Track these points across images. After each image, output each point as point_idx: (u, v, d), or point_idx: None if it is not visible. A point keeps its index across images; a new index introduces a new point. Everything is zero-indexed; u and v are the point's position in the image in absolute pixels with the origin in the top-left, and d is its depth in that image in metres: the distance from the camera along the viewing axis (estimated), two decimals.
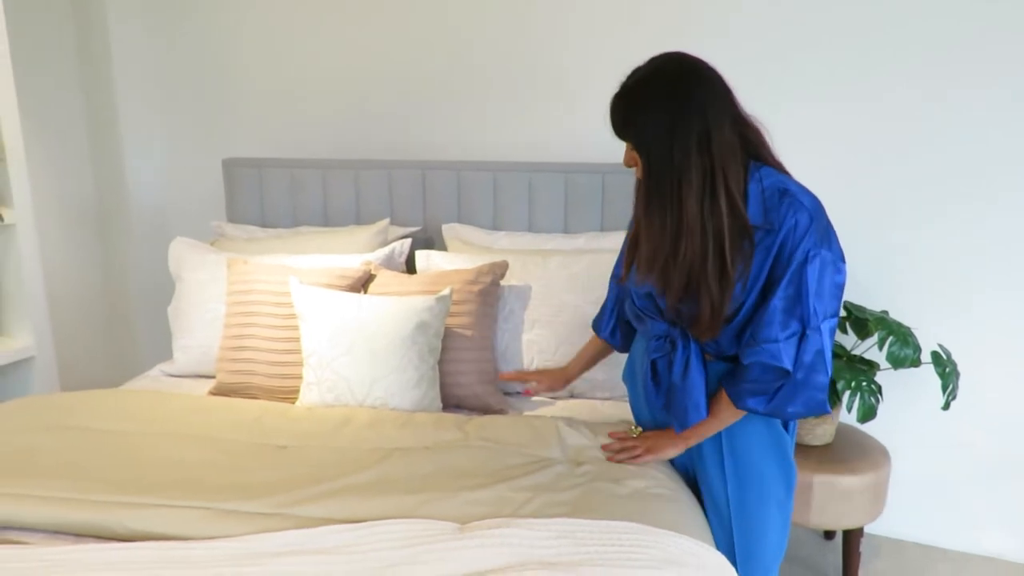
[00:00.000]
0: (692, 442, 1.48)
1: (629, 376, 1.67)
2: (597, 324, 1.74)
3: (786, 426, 1.48)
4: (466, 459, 1.53)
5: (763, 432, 1.45)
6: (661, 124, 1.25)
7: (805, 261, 1.27)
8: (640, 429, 1.60)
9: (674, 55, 1.30)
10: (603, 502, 1.37)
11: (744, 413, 1.41)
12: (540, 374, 1.85)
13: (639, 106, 1.28)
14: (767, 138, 1.35)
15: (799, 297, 1.29)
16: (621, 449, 1.54)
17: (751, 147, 1.33)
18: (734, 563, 1.47)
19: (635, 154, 1.33)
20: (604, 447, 1.57)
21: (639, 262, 1.40)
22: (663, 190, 1.28)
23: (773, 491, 1.46)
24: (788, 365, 1.30)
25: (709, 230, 1.27)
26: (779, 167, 1.36)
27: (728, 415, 1.42)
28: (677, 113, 1.25)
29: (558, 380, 1.81)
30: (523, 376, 1.84)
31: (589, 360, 1.80)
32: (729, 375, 1.40)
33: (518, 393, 2.05)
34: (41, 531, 1.33)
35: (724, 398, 1.41)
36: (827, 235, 1.31)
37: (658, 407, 1.52)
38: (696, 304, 1.34)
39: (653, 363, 1.49)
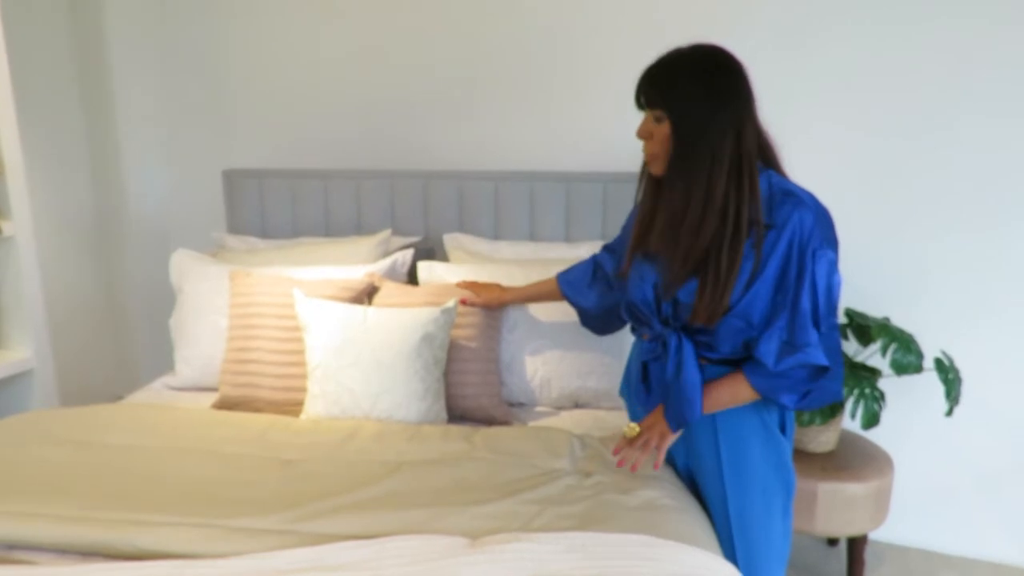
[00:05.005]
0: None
1: (625, 390, 1.67)
2: (569, 283, 1.79)
3: (784, 431, 1.48)
4: (474, 472, 1.53)
5: (761, 440, 1.45)
6: (704, 97, 1.28)
7: (814, 260, 1.30)
8: (635, 425, 1.51)
9: (719, 47, 1.34)
10: (612, 514, 1.36)
11: (751, 398, 1.39)
12: (480, 287, 1.99)
13: (686, 74, 1.30)
14: (778, 152, 1.39)
15: (816, 296, 1.31)
16: (637, 452, 1.46)
17: (764, 152, 1.37)
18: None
19: (656, 126, 1.33)
20: (619, 464, 1.49)
21: (653, 232, 1.40)
22: (694, 162, 1.30)
23: (773, 499, 1.46)
24: (826, 362, 1.32)
25: (730, 213, 1.30)
26: (786, 177, 1.39)
27: (729, 397, 1.40)
28: (722, 94, 1.29)
29: (494, 299, 1.96)
30: (469, 285, 2.00)
31: (531, 297, 1.93)
32: (756, 372, 1.37)
33: (523, 404, 2.05)
34: (48, 550, 1.31)
35: (730, 384, 1.39)
36: (831, 236, 1.34)
37: (650, 411, 1.51)
38: (697, 285, 1.35)
39: (644, 366, 1.49)
